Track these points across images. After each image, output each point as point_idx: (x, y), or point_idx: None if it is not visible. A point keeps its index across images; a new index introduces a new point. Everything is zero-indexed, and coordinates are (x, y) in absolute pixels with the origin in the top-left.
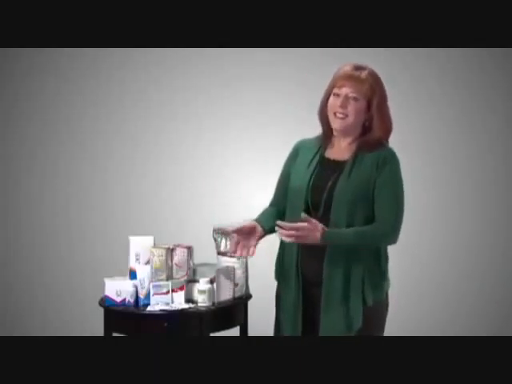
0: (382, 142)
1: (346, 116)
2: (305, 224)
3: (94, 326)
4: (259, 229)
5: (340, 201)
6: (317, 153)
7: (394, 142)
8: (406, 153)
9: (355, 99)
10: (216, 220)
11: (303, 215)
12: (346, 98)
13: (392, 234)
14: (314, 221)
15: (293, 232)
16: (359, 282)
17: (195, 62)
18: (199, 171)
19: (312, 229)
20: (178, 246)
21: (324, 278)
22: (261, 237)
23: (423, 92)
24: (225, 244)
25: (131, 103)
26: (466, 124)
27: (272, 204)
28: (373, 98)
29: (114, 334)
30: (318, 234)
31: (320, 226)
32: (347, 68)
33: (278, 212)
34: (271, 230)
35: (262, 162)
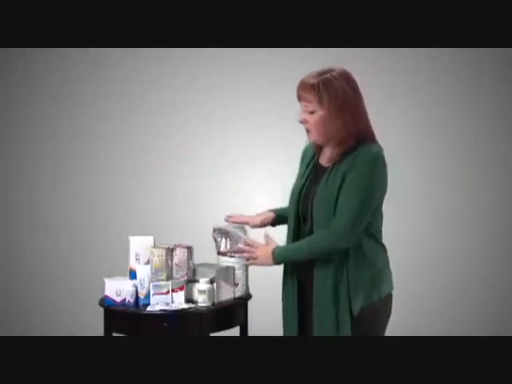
0: (349, 144)
1: (309, 131)
2: (256, 245)
3: (94, 325)
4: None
5: (318, 211)
6: (312, 159)
7: (394, 141)
8: (406, 153)
9: (311, 112)
10: (216, 220)
11: (265, 233)
12: (304, 112)
13: (332, 238)
14: (261, 246)
15: (246, 249)
16: (345, 287)
17: (195, 62)
18: (199, 171)
19: (265, 251)
20: (178, 245)
21: (314, 283)
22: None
23: (423, 92)
24: (225, 244)
25: (131, 103)
26: (466, 124)
27: None
28: (322, 106)
29: (114, 334)
30: (269, 254)
31: (270, 247)
32: (301, 79)
33: None
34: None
35: (262, 162)
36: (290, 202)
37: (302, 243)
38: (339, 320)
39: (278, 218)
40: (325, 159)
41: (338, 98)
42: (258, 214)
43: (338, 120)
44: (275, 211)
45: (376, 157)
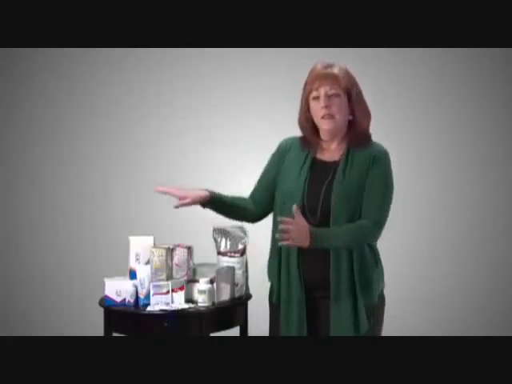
0: (368, 136)
1: (333, 115)
2: (293, 224)
3: (94, 325)
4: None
5: (339, 203)
6: (307, 156)
7: (394, 141)
8: (406, 153)
9: (336, 95)
10: (216, 220)
11: (295, 207)
12: (327, 96)
13: (374, 231)
14: (302, 221)
15: (288, 227)
16: (364, 280)
17: (195, 62)
18: (199, 171)
19: (300, 230)
20: (178, 246)
21: (331, 281)
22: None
23: (423, 92)
24: (225, 244)
25: (131, 103)
26: (465, 124)
27: (250, 196)
28: (351, 90)
29: (114, 334)
30: (307, 234)
31: (308, 227)
32: (318, 68)
33: (250, 203)
34: (217, 201)
35: (263, 161)
36: (289, 198)
37: (342, 229)
38: (358, 317)
39: (213, 203)
40: (328, 155)
41: (355, 82)
42: (190, 189)
43: (358, 102)
44: (212, 193)
45: (388, 154)
